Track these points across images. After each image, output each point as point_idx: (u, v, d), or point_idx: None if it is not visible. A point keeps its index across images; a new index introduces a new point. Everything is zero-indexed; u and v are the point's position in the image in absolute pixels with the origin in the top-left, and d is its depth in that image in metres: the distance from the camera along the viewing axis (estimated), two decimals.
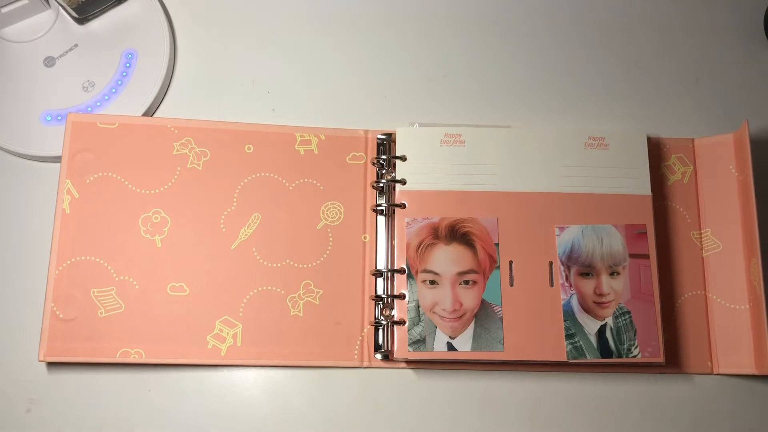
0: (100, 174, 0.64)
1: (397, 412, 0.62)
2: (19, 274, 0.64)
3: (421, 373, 0.63)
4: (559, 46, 0.72)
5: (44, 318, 0.60)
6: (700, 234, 0.66)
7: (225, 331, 0.62)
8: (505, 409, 0.63)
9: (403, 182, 0.64)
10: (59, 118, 0.66)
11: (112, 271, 0.62)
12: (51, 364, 0.62)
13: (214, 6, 0.72)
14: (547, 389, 0.63)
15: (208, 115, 0.68)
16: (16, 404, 0.61)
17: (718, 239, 0.65)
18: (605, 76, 0.71)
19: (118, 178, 0.64)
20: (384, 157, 0.66)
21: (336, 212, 0.65)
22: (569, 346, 0.61)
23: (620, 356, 0.61)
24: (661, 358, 0.61)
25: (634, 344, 0.61)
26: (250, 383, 0.62)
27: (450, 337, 0.61)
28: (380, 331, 0.62)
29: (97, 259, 0.62)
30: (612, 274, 0.63)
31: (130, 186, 0.64)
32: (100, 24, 0.69)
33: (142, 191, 0.64)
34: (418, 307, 0.62)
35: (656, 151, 0.67)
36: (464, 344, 0.61)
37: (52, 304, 0.61)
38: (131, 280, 0.62)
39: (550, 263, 0.63)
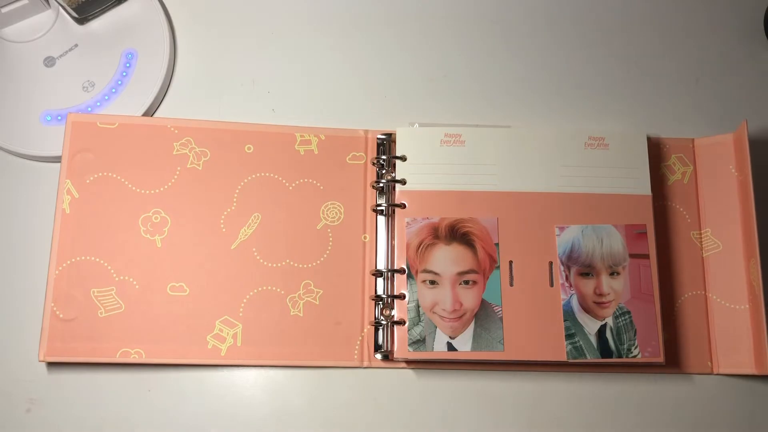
0: (100, 174, 0.64)
1: (397, 412, 0.62)
2: (19, 274, 0.64)
3: (421, 373, 0.63)
4: (559, 46, 0.72)
5: (44, 318, 0.60)
6: (700, 234, 0.66)
7: (225, 331, 0.62)
8: (505, 409, 0.63)
9: (403, 182, 0.64)
10: (59, 118, 0.66)
11: (112, 271, 0.62)
12: (51, 364, 0.62)
13: (214, 6, 0.72)
14: (547, 389, 0.63)
15: (208, 115, 0.68)
16: (16, 404, 0.61)
17: (718, 239, 0.65)
18: (605, 76, 0.71)
19: (118, 178, 0.64)
20: (384, 157, 0.66)
21: (336, 212, 0.65)
22: (569, 346, 0.61)
23: (620, 356, 0.61)
24: (661, 358, 0.61)
25: (634, 344, 0.61)
26: (250, 383, 0.62)
27: (450, 337, 0.61)
28: (380, 331, 0.62)
29: (97, 259, 0.62)
30: (612, 274, 0.63)
31: (130, 186, 0.64)
32: (100, 24, 0.69)
33: (142, 191, 0.64)
34: (418, 307, 0.62)
35: (656, 151, 0.68)
36: (464, 344, 0.61)
37: (52, 304, 0.61)
38: (131, 280, 0.62)
39: (550, 263, 0.63)
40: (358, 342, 0.63)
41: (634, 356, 0.61)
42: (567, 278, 0.63)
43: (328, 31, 0.72)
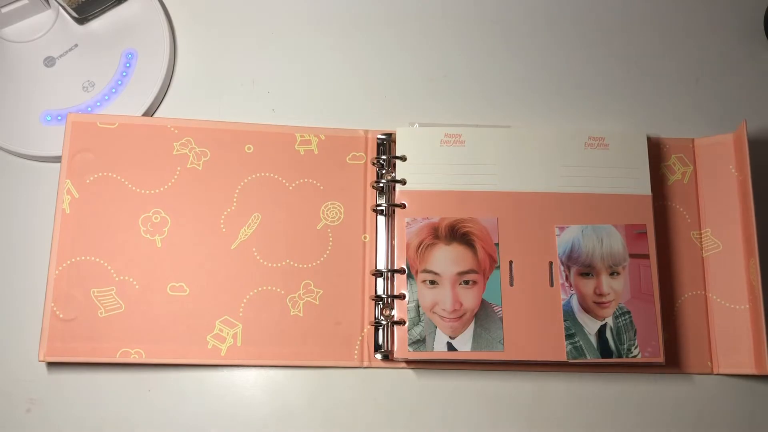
0: (100, 174, 0.64)
1: (397, 412, 0.62)
2: (19, 274, 0.64)
3: (421, 373, 0.63)
4: (559, 46, 0.72)
5: (44, 318, 0.60)
6: (700, 234, 0.66)
7: (225, 331, 0.62)
8: (505, 409, 0.63)
9: (403, 182, 0.64)
10: (59, 118, 0.66)
11: (112, 271, 0.62)
12: (51, 364, 0.62)
13: (214, 6, 0.72)
14: (546, 389, 0.63)
15: (208, 115, 0.68)
16: (16, 404, 0.61)
17: (718, 239, 0.65)
18: (605, 76, 0.71)
19: (118, 178, 0.64)
20: (384, 157, 0.66)
21: (336, 212, 0.65)
22: (569, 346, 0.61)
23: (620, 356, 0.61)
24: (661, 358, 0.61)
25: (634, 344, 0.61)
26: (250, 383, 0.62)
27: (450, 337, 0.61)
28: (380, 331, 0.62)
29: (97, 259, 0.62)
30: (612, 274, 0.63)
31: (130, 186, 0.64)
32: (100, 24, 0.69)
33: (142, 191, 0.64)
34: (418, 307, 0.62)
35: (656, 151, 0.68)
36: (464, 344, 0.61)
37: (52, 304, 0.61)
38: (131, 280, 0.62)
39: (550, 263, 0.63)
40: (358, 342, 0.63)
41: (634, 356, 0.61)
42: (567, 278, 0.63)
43: (328, 31, 0.72)
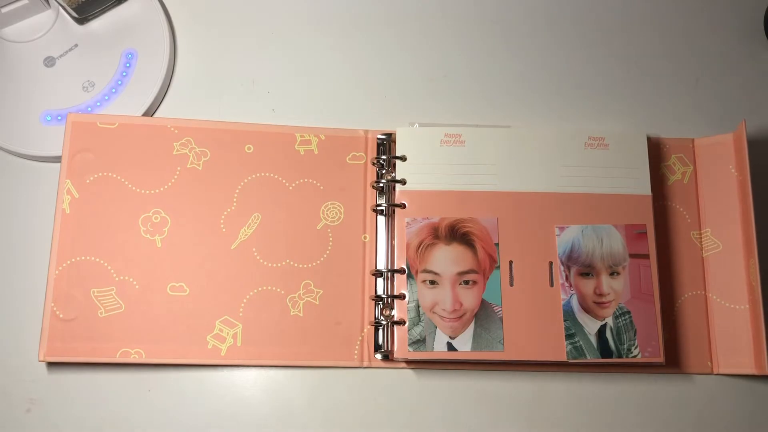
0: (100, 174, 0.64)
1: (397, 412, 0.62)
2: (19, 274, 0.64)
3: (421, 373, 0.63)
4: (559, 46, 0.72)
5: (44, 318, 0.60)
6: (700, 234, 0.66)
7: (225, 331, 0.62)
8: (505, 409, 0.63)
9: (403, 182, 0.64)
10: (59, 118, 0.66)
11: (112, 271, 0.62)
12: (51, 364, 0.62)
13: (214, 6, 0.72)
14: (546, 389, 0.63)
15: (208, 115, 0.68)
16: (16, 404, 0.61)
17: (717, 239, 0.65)
18: (605, 76, 0.71)
19: (118, 178, 0.64)
20: (384, 157, 0.66)
21: (336, 212, 0.65)
22: (569, 346, 0.61)
23: (620, 356, 0.61)
24: (661, 358, 0.61)
25: (634, 344, 0.61)
26: (250, 383, 0.62)
27: (450, 337, 0.61)
28: (380, 331, 0.62)
29: (97, 259, 0.62)
30: (612, 274, 0.63)
31: (130, 186, 0.64)
32: (100, 24, 0.69)
33: (142, 191, 0.64)
34: (418, 307, 0.62)
35: (656, 151, 0.68)
36: (464, 344, 0.61)
37: (52, 304, 0.61)
38: (131, 280, 0.62)
39: (550, 263, 0.63)
40: (358, 342, 0.63)
41: (634, 356, 0.61)
42: (567, 278, 0.63)
43: (328, 31, 0.72)
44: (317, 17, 0.72)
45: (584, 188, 0.65)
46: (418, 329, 0.61)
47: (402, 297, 0.62)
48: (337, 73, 0.71)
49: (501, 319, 0.61)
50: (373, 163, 0.66)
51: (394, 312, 0.62)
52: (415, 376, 0.63)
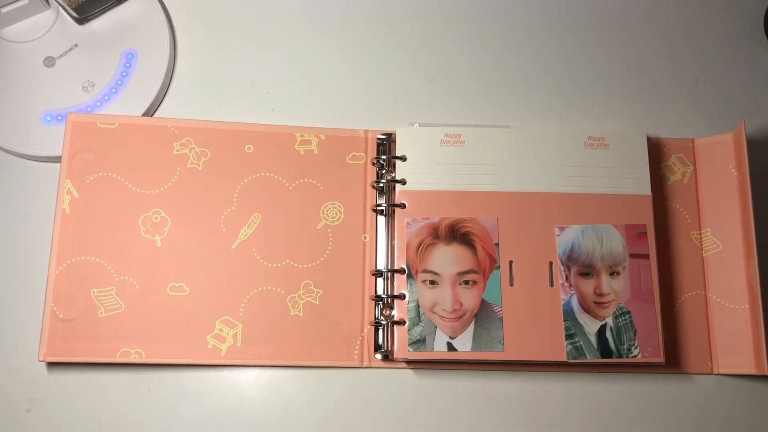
0: (100, 174, 0.64)
1: (397, 412, 0.62)
2: (19, 274, 0.64)
3: (421, 373, 0.63)
4: (559, 46, 0.72)
5: (44, 318, 0.60)
6: (700, 234, 0.66)
7: (225, 331, 0.62)
8: (505, 409, 0.63)
9: (403, 182, 0.64)
10: (59, 118, 0.66)
11: (112, 271, 0.62)
12: (51, 364, 0.62)
13: (214, 6, 0.72)
14: (547, 389, 0.63)
15: (208, 115, 0.68)
16: (16, 404, 0.61)
17: (717, 239, 0.65)
18: (605, 76, 0.71)
19: (118, 178, 0.64)
20: (384, 157, 0.66)
21: (336, 212, 0.65)
22: (569, 346, 0.61)
23: (620, 356, 0.61)
24: (661, 358, 0.61)
25: (634, 344, 0.61)
26: (250, 383, 0.62)
27: (450, 337, 0.61)
28: (380, 331, 0.62)
29: (97, 259, 0.62)
30: (612, 274, 0.63)
31: (130, 186, 0.64)
32: (100, 24, 0.69)
33: (142, 191, 0.64)
34: (418, 307, 0.62)
35: (656, 151, 0.68)
36: (464, 344, 0.61)
37: (52, 304, 0.61)
38: (131, 280, 0.62)
39: (550, 263, 0.63)
40: (358, 342, 0.63)
41: (634, 356, 0.61)
42: (567, 278, 0.63)
43: (328, 31, 0.72)
44: (317, 17, 0.72)
45: (584, 188, 0.65)
46: (418, 329, 0.61)
47: (402, 297, 0.62)
48: (337, 73, 0.71)
49: (501, 319, 0.61)
50: (373, 163, 0.66)
51: (394, 312, 0.62)
52: (415, 376, 0.63)
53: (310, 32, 0.72)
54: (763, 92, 0.71)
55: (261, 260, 0.63)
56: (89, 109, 0.66)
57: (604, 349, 0.61)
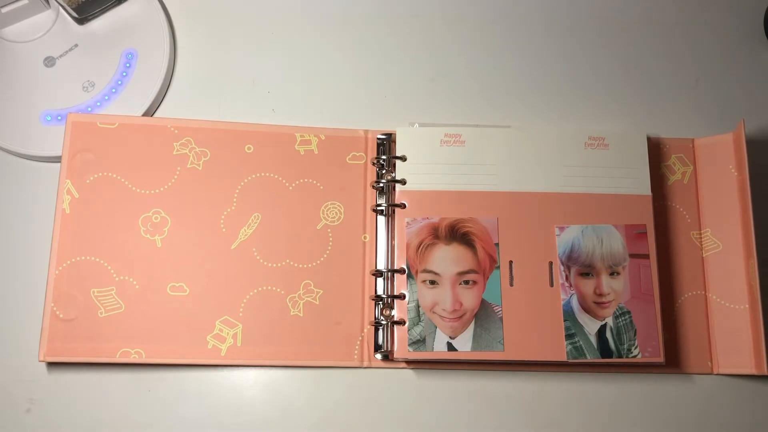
0: (100, 174, 0.64)
1: (397, 412, 0.62)
2: (19, 274, 0.64)
3: (421, 373, 0.63)
4: (559, 46, 0.72)
5: (44, 318, 0.60)
6: (700, 234, 0.66)
7: (225, 331, 0.62)
8: (505, 409, 0.63)
9: (403, 182, 0.64)
10: (59, 118, 0.66)
11: (112, 271, 0.62)
12: (51, 364, 0.62)
13: (214, 6, 0.72)
14: (547, 389, 0.63)
15: (208, 115, 0.68)
16: (16, 404, 0.61)
17: (717, 239, 0.65)
18: (605, 76, 0.71)
19: (118, 178, 0.64)
20: (384, 157, 0.66)
21: (336, 212, 0.65)
22: (569, 346, 0.61)
23: (620, 356, 0.61)
24: (661, 358, 0.61)
25: (634, 344, 0.61)
26: (250, 383, 0.62)
27: (450, 337, 0.61)
28: (380, 331, 0.62)
29: (97, 259, 0.62)
30: (612, 274, 0.63)
31: (130, 186, 0.64)
32: (100, 24, 0.69)
33: (142, 191, 0.64)
34: (418, 307, 0.62)
35: (656, 151, 0.68)
36: (464, 344, 0.61)
37: (52, 304, 0.61)
38: (131, 280, 0.62)
39: (550, 263, 0.63)
40: (358, 342, 0.63)
41: (634, 356, 0.61)
42: (567, 278, 0.63)
43: (328, 31, 0.72)
44: (317, 17, 0.72)
45: (584, 188, 0.65)
46: (418, 329, 0.61)
47: (402, 297, 0.62)
48: (337, 73, 0.71)
49: (501, 319, 0.61)
50: (373, 163, 0.66)
51: (394, 312, 0.62)
52: (415, 376, 0.63)
53: (310, 32, 0.72)
54: (763, 92, 0.71)
55: (261, 260, 0.63)
56: (89, 109, 0.66)
57: (604, 349, 0.61)
